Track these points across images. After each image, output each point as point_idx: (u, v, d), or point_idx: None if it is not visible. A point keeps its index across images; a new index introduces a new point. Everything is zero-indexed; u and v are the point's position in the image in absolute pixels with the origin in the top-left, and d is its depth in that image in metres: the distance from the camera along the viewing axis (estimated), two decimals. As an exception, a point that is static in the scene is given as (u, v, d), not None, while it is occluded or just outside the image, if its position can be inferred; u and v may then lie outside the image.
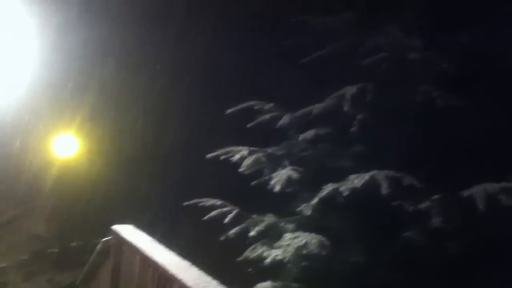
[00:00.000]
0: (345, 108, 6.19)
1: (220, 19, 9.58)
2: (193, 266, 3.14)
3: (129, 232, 4.25)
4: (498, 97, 5.94)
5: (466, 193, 5.23)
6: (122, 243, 4.27)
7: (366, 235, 5.86)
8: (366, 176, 5.43)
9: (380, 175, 5.40)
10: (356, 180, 5.47)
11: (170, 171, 10.32)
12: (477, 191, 5.15)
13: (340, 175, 5.97)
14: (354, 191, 5.47)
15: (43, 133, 11.96)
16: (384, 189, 5.26)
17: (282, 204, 6.43)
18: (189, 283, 2.81)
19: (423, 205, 5.39)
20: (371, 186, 5.41)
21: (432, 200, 5.40)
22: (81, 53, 10.61)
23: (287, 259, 5.41)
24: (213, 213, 6.32)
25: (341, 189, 5.54)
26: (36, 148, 12.22)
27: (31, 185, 12.66)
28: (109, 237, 4.60)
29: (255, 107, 6.85)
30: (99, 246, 4.88)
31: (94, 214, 11.07)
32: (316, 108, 6.53)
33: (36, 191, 12.66)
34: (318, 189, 5.81)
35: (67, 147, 11.58)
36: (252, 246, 6.13)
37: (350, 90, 6.25)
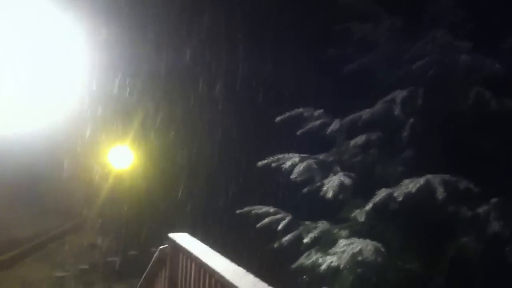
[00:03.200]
0: (396, 113, 6.12)
1: (265, 32, 9.70)
2: (248, 273, 3.16)
3: (184, 240, 4.31)
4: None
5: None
6: (178, 251, 4.33)
7: (420, 241, 5.75)
8: (421, 181, 5.33)
9: (435, 179, 5.29)
10: (411, 185, 5.37)
11: (221, 180, 10.44)
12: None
13: (391, 181, 5.89)
14: (408, 196, 5.38)
15: (97, 147, 12.33)
16: (440, 193, 5.14)
17: (334, 211, 6.39)
18: (245, 290, 2.82)
19: (481, 209, 5.25)
20: (426, 191, 5.30)
21: (491, 204, 5.25)
22: (133, 69, 10.91)
23: (343, 266, 5.35)
24: (266, 220, 6.35)
25: (395, 194, 5.44)
26: (90, 161, 12.61)
27: (86, 198, 13.08)
28: (166, 245, 4.67)
29: (304, 114, 6.84)
30: (156, 254, 4.96)
31: (148, 224, 11.32)
32: (366, 113, 6.48)
33: (92, 203, 13.05)
34: (370, 195, 5.75)
35: (120, 160, 11.89)
36: (307, 253, 6.11)
37: (400, 94, 6.18)
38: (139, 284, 6.03)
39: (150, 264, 5.28)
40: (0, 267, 7.88)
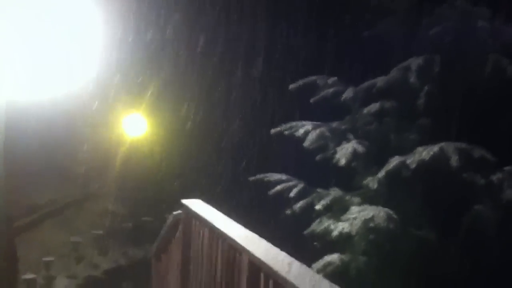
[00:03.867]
0: (411, 80, 6.04)
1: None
2: (261, 238, 3.18)
3: (198, 206, 4.33)
4: None
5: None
6: (191, 217, 4.35)
7: (433, 209, 5.74)
8: (435, 148, 5.30)
9: (449, 147, 5.26)
10: (424, 153, 5.34)
11: (235, 148, 10.47)
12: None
13: (405, 149, 5.87)
14: (421, 164, 5.35)
15: (113, 114, 12.38)
16: (454, 161, 5.11)
17: (347, 178, 6.39)
18: (258, 255, 2.83)
19: (495, 177, 5.22)
20: (440, 159, 5.27)
21: (505, 172, 5.22)
22: (148, 39, 10.87)
23: (354, 232, 5.39)
24: (278, 188, 6.37)
25: (408, 162, 5.43)
26: (106, 129, 12.69)
27: (101, 165, 13.20)
28: (179, 211, 4.71)
29: (318, 82, 6.79)
30: (169, 220, 5.02)
31: (163, 191, 11.44)
32: (380, 80, 6.41)
33: (107, 171, 13.19)
34: (384, 162, 5.74)
35: (135, 127, 11.95)
36: (319, 220, 6.14)
37: (416, 62, 6.09)
38: (153, 249, 6.14)
39: (163, 230, 5.35)
40: (17, 231, 8.05)
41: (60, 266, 9.75)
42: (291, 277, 2.35)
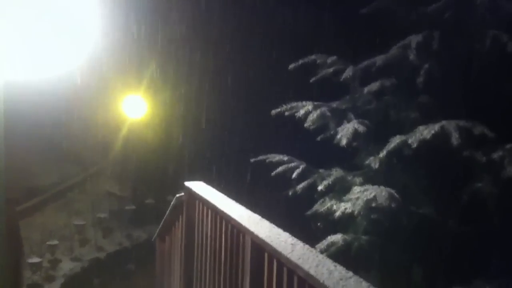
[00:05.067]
0: (411, 58, 6.01)
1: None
2: (263, 219, 3.20)
3: (200, 188, 4.35)
4: None
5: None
6: (194, 198, 4.38)
7: (434, 187, 5.77)
8: (436, 127, 5.29)
9: (450, 125, 5.25)
10: (425, 131, 5.34)
11: (236, 129, 10.47)
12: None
13: (406, 127, 5.87)
14: (422, 142, 5.36)
15: (112, 96, 12.34)
16: (455, 139, 5.11)
17: (348, 158, 6.40)
18: (261, 235, 2.86)
19: (496, 154, 5.23)
20: (441, 137, 5.28)
21: (506, 149, 5.23)
22: (149, 17, 10.78)
23: (357, 212, 5.41)
24: (280, 169, 6.38)
25: (410, 141, 5.43)
26: (106, 111, 12.65)
27: (102, 147, 13.21)
28: (182, 194, 4.73)
29: (317, 61, 6.74)
30: (173, 202, 5.04)
31: (164, 173, 11.46)
32: (380, 59, 6.37)
33: (108, 153, 13.20)
34: (385, 142, 5.74)
35: (136, 109, 11.92)
36: (321, 200, 6.17)
37: (415, 39, 6.05)
38: (157, 231, 6.18)
39: (167, 212, 5.38)
40: (21, 215, 8.09)
41: (64, 249, 9.82)
42: (294, 257, 2.38)
